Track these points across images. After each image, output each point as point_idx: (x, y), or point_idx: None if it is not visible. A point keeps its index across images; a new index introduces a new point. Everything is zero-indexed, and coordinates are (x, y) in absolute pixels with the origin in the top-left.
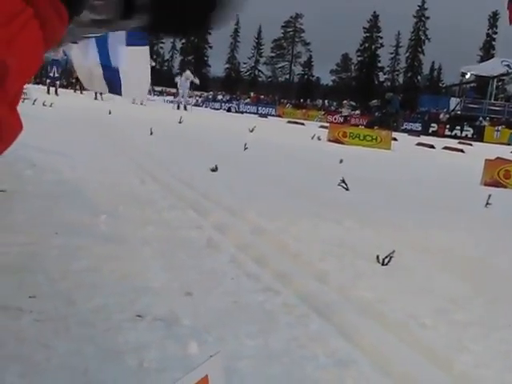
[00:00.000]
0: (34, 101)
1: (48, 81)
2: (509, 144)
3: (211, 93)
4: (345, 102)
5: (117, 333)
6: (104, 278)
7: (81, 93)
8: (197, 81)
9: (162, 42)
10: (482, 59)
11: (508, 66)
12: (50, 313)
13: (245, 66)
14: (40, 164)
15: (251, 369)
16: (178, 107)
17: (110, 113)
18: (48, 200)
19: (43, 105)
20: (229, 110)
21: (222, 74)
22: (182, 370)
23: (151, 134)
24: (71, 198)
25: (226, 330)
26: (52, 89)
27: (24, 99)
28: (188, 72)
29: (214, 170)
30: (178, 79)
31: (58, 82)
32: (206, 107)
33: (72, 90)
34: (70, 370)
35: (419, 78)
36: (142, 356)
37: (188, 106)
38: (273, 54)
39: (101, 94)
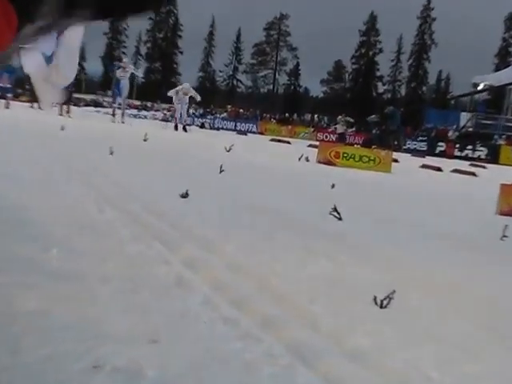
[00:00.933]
0: None
1: None
2: None
3: None
4: (339, 117)
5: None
6: (56, 322)
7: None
8: (198, 98)
9: (125, 47)
10: (498, 67)
11: None
12: None
13: (221, 74)
14: None
15: None
16: (176, 128)
17: (62, 129)
18: None
19: None
20: (202, 126)
21: (195, 84)
22: None
23: (111, 153)
24: (18, 228)
25: (197, 383)
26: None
27: None
28: (187, 85)
29: (185, 196)
30: (172, 93)
31: (9, 95)
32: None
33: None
34: None
35: (424, 89)
36: None
37: (189, 127)
38: (254, 61)
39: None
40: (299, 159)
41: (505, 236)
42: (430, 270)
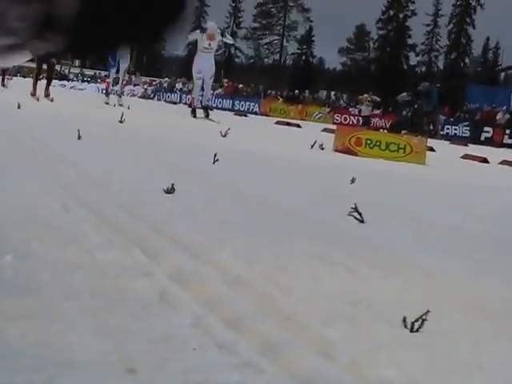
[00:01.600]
0: None
1: None
2: None
3: (167, 79)
4: (365, 95)
5: None
6: (10, 345)
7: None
8: (231, 41)
9: None
10: None
11: None
12: None
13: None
14: None
15: None
16: (195, 112)
17: (19, 107)
18: None
19: None
20: (191, 105)
21: (183, 54)
22: None
23: (79, 138)
24: None
25: None
26: None
27: None
28: (213, 25)
29: (170, 191)
30: (193, 36)
31: None
32: (158, 100)
33: None
34: None
35: (467, 61)
36: None
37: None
38: (256, 25)
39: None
40: (312, 147)
41: None
42: (473, 285)
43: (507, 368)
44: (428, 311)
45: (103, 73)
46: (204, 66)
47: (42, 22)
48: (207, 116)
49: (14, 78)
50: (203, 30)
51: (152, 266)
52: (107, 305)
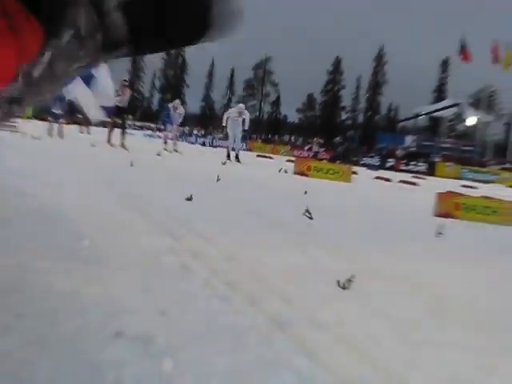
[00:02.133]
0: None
1: (51, 119)
2: (460, 178)
3: (187, 128)
4: (315, 139)
5: (96, 349)
6: (85, 299)
7: (88, 133)
8: (247, 126)
9: (143, 82)
10: (434, 101)
11: (457, 107)
12: (34, 332)
13: (219, 103)
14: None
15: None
16: (229, 156)
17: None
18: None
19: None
20: (203, 144)
21: (198, 111)
22: None
23: (131, 165)
24: (57, 223)
25: (197, 348)
26: (56, 128)
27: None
28: (242, 106)
29: (189, 199)
30: (224, 116)
31: (62, 120)
32: (182, 141)
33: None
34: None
35: (377, 117)
36: (119, 372)
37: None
38: (244, 94)
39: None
40: (279, 171)
41: (440, 233)
42: (382, 259)
43: (402, 313)
44: (353, 276)
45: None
46: (235, 132)
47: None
48: (238, 160)
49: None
50: (234, 111)
51: (176, 246)
52: (148, 272)
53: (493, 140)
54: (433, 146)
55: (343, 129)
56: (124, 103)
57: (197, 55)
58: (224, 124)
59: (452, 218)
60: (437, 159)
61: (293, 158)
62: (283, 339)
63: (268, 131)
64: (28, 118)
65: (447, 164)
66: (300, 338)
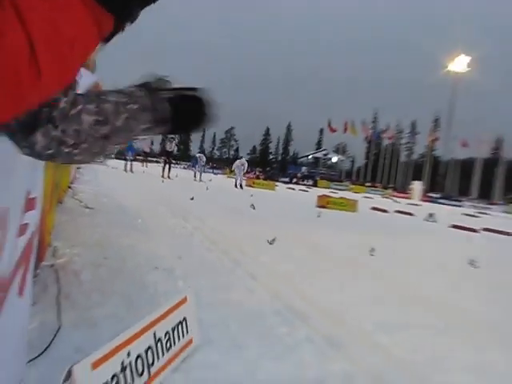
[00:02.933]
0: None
1: (125, 160)
2: (329, 188)
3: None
4: (257, 168)
5: (144, 275)
6: (138, 249)
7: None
8: (245, 169)
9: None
10: (316, 149)
11: (326, 152)
12: (113, 266)
13: (207, 151)
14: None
15: (209, 293)
16: (236, 186)
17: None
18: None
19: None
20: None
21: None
22: (174, 292)
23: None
24: (125, 212)
25: (198, 275)
26: (128, 167)
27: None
28: (243, 159)
29: (192, 198)
30: (235, 165)
31: (131, 162)
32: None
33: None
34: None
35: (288, 157)
36: (156, 287)
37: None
38: (220, 145)
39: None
40: (235, 186)
41: (319, 216)
42: (290, 228)
43: (297, 255)
44: (275, 238)
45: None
46: (240, 172)
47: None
48: (241, 187)
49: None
50: (239, 162)
51: (187, 224)
52: (172, 237)
53: (345, 168)
54: (315, 171)
55: (270, 163)
56: (172, 149)
57: None
58: (233, 169)
59: (325, 208)
60: (317, 178)
61: (245, 178)
62: (240, 271)
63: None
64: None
65: (322, 181)
66: (250, 271)
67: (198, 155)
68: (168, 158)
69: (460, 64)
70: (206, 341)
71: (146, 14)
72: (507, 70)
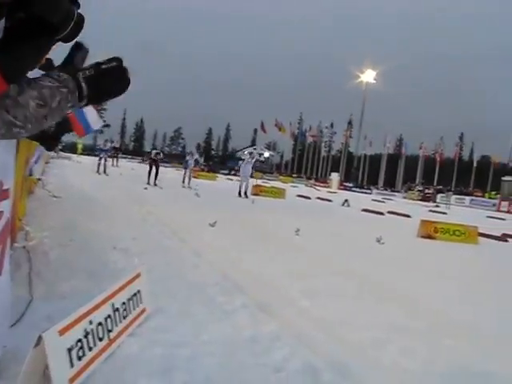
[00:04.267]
0: None
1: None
2: (263, 179)
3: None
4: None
5: (105, 255)
6: (100, 231)
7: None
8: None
9: None
10: (251, 145)
11: (255, 148)
12: (80, 246)
13: (159, 148)
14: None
15: (161, 268)
16: (240, 194)
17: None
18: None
19: None
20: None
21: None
22: (130, 268)
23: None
24: (89, 201)
25: (150, 254)
26: (102, 167)
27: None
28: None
29: (146, 188)
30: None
31: (106, 161)
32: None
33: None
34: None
35: (227, 153)
36: (115, 264)
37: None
38: (170, 142)
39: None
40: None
41: (253, 202)
42: (228, 212)
43: (241, 238)
44: (216, 221)
45: None
46: (246, 171)
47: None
48: (246, 197)
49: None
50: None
51: (141, 208)
52: (130, 221)
53: (275, 162)
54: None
55: (213, 158)
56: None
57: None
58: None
59: (258, 196)
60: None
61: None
62: (186, 249)
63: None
64: (80, 154)
65: (257, 173)
66: (194, 248)
67: (188, 150)
68: (155, 162)
69: (369, 75)
70: (158, 309)
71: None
72: (407, 80)
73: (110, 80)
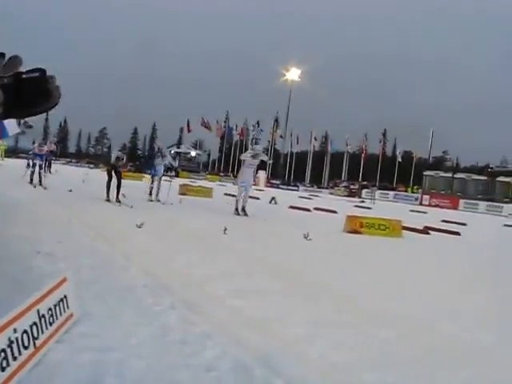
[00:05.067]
0: None
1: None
2: (190, 178)
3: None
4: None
5: (29, 260)
6: (25, 236)
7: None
8: (267, 158)
9: None
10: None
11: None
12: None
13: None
14: None
15: (89, 272)
16: (237, 210)
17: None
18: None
19: None
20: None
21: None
22: (56, 274)
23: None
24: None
25: (77, 258)
26: (36, 177)
27: None
28: (259, 147)
29: (70, 190)
30: (245, 156)
31: (41, 169)
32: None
33: None
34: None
35: (154, 152)
36: (41, 269)
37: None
38: (95, 143)
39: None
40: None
41: (180, 202)
42: (155, 213)
43: (169, 238)
44: (143, 222)
45: None
46: (248, 177)
47: None
48: (245, 214)
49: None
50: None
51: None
52: (55, 225)
53: (203, 161)
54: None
55: (139, 158)
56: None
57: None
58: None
59: (186, 195)
60: (179, 170)
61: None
62: (116, 251)
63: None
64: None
65: (183, 172)
66: (123, 251)
67: (156, 148)
68: (115, 170)
69: (294, 74)
70: (86, 314)
71: None
72: (332, 79)
73: (31, 91)
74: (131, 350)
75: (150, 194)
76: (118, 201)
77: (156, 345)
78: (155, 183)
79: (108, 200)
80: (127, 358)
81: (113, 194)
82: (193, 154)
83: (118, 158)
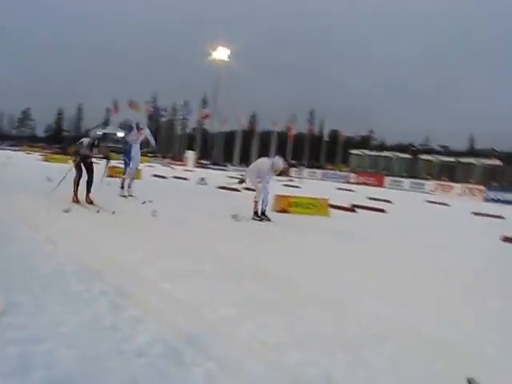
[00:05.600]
0: None
1: None
2: (116, 160)
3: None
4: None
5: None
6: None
7: None
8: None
9: None
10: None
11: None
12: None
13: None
14: None
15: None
16: (257, 214)
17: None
18: None
19: None
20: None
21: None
22: None
23: None
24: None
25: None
26: None
27: None
28: (280, 161)
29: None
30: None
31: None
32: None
33: None
34: None
35: (81, 133)
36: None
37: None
38: (18, 124)
39: None
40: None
41: (109, 184)
42: (82, 196)
43: (96, 222)
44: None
45: None
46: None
47: None
48: (264, 219)
49: None
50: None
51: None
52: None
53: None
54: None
55: (65, 139)
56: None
57: None
58: (245, 177)
59: (113, 177)
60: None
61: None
62: (41, 237)
63: None
64: None
65: (111, 153)
66: (49, 236)
67: (136, 124)
68: (86, 160)
69: (222, 53)
70: (11, 305)
71: None
72: (260, 59)
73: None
74: (60, 339)
75: (122, 187)
76: (89, 202)
77: (86, 332)
78: (128, 170)
79: (77, 201)
80: (56, 347)
81: (82, 193)
82: (120, 134)
83: (92, 145)
